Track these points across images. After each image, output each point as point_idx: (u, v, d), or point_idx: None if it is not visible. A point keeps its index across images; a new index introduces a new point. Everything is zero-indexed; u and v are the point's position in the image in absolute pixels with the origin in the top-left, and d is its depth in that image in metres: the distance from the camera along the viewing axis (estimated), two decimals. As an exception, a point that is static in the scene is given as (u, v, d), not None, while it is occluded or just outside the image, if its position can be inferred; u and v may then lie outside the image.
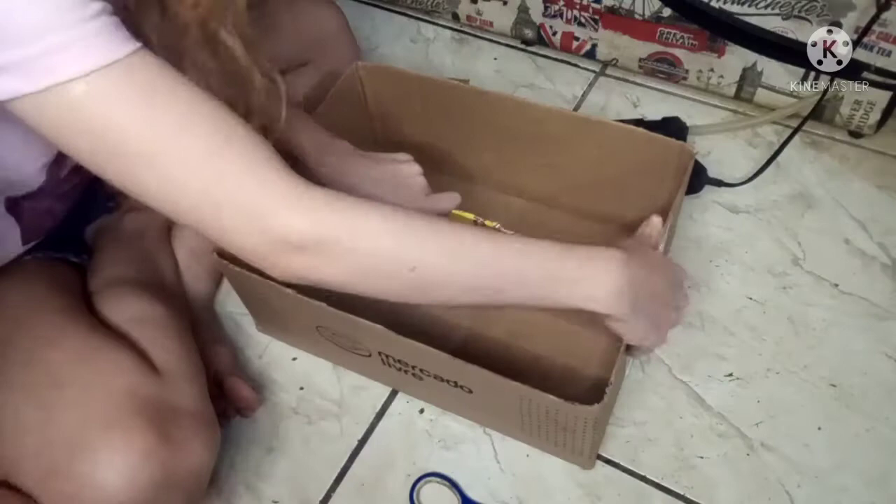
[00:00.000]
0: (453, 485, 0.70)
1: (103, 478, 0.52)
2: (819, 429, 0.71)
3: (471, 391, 0.66)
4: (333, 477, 0.72)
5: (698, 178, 0.87)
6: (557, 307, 0.54)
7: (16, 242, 0.63)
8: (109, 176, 0.46)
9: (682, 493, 0.68)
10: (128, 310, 0.66)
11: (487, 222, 0.69)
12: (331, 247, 0.49)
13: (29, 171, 0.58)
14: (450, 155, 0.88)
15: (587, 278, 0.54)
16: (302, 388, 0.78)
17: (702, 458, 0.70)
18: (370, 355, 0.71)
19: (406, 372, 0.69)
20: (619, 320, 0.56)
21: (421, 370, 0.67)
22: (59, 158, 0.59)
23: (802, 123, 0.88)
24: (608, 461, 0.70)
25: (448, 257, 0.51)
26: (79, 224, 0.76)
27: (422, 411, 0.75)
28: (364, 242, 0.49)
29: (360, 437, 0.74)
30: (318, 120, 0.76)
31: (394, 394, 0.76)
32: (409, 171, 0.73)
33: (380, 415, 0.75)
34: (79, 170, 0.62)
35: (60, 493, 0.52)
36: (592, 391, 0.72)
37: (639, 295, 0.55)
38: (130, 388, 0.56)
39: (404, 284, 0.51)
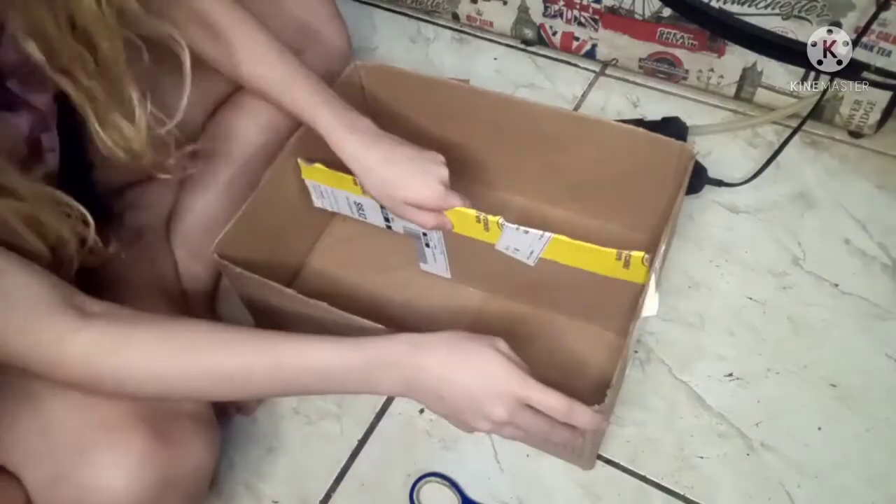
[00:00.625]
0: (453, 485, 0.70)
1: (106, 481, 0.52)
2: (819, 429, 0.71)
3: (470, 390, 0.66)
4: (333, 477, 0.72)
5: (698, 178, 0.87)
6: None
7: None
8: None
9: (682, 493, 0.68)
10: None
11: (491, 218, 0.69)
12: (103, 383, 0.52)
13: None
14: (449, 155, 0.87)
15: (370, 383, 0.55)
16: (302, 388, 0.78)
17: (702, 458, 0.70)
18: (369, 354, 0.70)
19: (406, 371, 0.69)
20: None
21: (421, 370, 0.67)
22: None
23: (802, 123, 0.88)
24: (608, 461, 0.70)
25: (226, 382, 0.54)
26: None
27: (422, 411, 0.75)
28: (136, 378, 0.53)
29: (360, 437, 0.74)
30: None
31: (394, 394, 0.76)
32: (432, 157, 0.72)
33: (380, 415, 0.75)
34: None
35: (66, 498, 0.52)
36: (593, 392, 0.72)
37: (425, 398, 0.56)
38: None
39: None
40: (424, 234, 0.76)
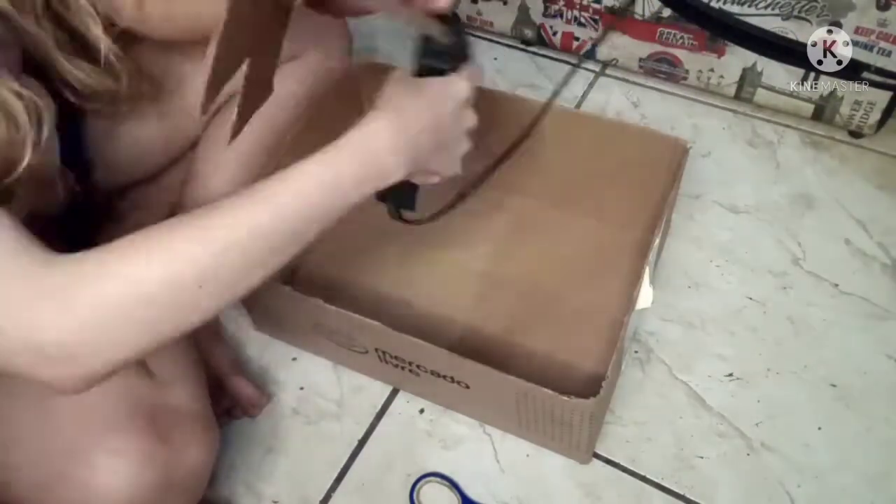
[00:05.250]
0: (453, 485, 0.70)
1: (104, 482, 0.52)
2: (819, 429, 0.71)
3: (468, 386, 0.66)
4: (333, 477, 0.72)
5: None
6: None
7: None
8: None
9: (682, 493, 0.68)
10: None
11: None
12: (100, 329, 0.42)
13: None
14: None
15: (366, 172, 0.52)
16: (302, 388, 0.78)
17: (702, 458, 0.70)
18: (367, 352, 0.71)
19: (403, 368, 0.69)
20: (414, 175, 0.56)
21: (418, 366, 0.67)
22: None
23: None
24: (608, 461, 0.70)
25: (227, 254, 0.47)
26: (80, 226, 0.76)
27: (422, 411, 0.75)
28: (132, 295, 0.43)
29: (360, 437, 0.74)
30: (314, 119, 0.76)
31: (394, 394, 0.76)
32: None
33: (380, 415, 0.75)
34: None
35: (65, 499, 0.52)
36: (589, 385, 0.72)
37: (419, 149, 0.54)
38: (127, 391, 0.56)
39: (201, 304, 0.46)
40: None
